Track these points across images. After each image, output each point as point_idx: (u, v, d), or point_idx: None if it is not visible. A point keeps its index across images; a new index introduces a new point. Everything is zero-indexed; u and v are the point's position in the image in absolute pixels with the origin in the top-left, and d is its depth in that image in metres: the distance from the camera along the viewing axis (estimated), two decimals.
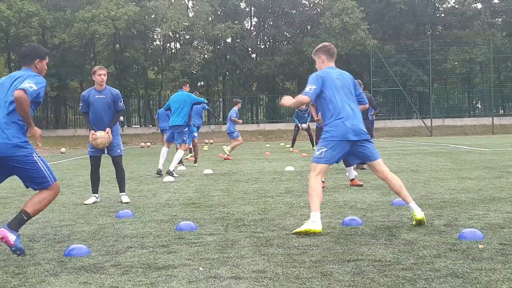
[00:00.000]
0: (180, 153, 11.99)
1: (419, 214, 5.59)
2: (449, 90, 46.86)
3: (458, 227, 5.53)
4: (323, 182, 9.21)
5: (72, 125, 44.31)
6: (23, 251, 4.79)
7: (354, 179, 9.32)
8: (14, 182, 11.94)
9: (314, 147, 21.04)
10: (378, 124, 39.21)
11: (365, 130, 5.75)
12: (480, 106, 49.15)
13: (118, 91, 8.28)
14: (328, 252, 4.65)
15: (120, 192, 8.30)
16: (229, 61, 46.28)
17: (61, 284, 3.98)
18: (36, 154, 4.99)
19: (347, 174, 10.28)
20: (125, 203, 8.03)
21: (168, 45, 48.11)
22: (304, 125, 20.87)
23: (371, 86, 37.84)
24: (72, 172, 14.02)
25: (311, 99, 5.77)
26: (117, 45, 44.11)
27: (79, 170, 14.41)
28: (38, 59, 5.20)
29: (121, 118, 22.96)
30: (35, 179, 4.99)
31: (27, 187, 5.12)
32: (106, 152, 8.21)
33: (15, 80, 5.03)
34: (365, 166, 13.47)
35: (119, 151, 8.23)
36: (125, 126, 41.80)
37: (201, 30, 43.06)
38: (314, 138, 20.99)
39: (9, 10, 35.38)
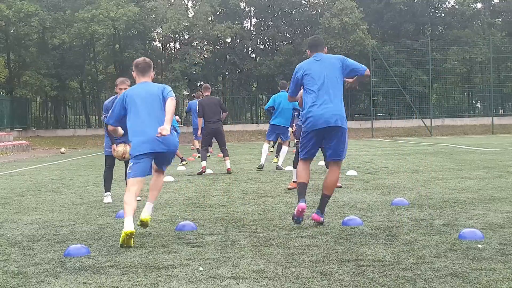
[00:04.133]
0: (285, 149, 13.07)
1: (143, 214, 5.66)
2: (449, 90, 46.81)
3: (458, 227, 5.53)
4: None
5: (71, 125, 44.23)
6: None
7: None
8: (14, 182, 11.97)
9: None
10: (377, 124, 39.20)
11: None
12: (479, 106, 49.10)
13: None
14: (328, 252, 4.65)
15: None
16: (229, 61, 46.24)
17: (61, 284, 3.98)
18: None
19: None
20: (138, 200, 8.08)
21: (168, 45, 48.09)
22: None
23: (371, 86, 37.84)
24: (72, 172, 14.01)
25: None
26: (117, 45, 44.06)
27: (78, 170, 14.39)
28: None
29: (178, 118, 21.11)
30: None
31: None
32: None
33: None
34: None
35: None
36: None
37: (200, 31, 43.00)
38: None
39: (8, 10, 35.36)
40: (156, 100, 5.64)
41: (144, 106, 5.61)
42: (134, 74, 5.95)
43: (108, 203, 8.09)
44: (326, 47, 6.40)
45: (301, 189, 5.98)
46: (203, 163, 12.20)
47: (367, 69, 6.22)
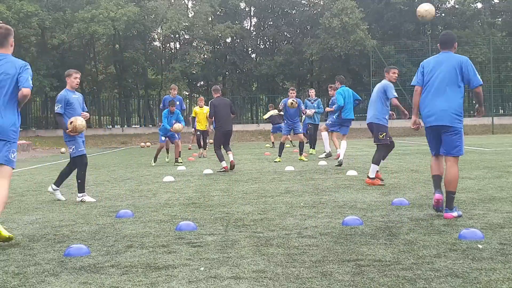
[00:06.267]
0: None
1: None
2: None
3: (458, 227, 5.53)
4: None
5: None
6: None
7: (375, 178, 9.30)
8: (14, 182, 11.95)
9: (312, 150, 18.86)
10: None
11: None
12: None
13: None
14: (328, 252, 4.65)
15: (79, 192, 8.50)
16: (229, 61, 46.25)
17: (61, 284, 3.98)
18: None
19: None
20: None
21: (168, 45, 48.10)
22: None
23: (371, 86, 37.78)
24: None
25: None
26: (117, 45, 44.09)
27: None
28: None
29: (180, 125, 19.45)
30: None
31: None
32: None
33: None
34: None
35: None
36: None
37: (200, 30, 43.03)
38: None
39: (8, 11, 35.36)
40: (10, 84, 5.33)
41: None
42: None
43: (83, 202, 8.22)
44: (456, 43, 6.42)
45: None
46: (223, 163, 12.52)
47: (479, 86, 6.23)
